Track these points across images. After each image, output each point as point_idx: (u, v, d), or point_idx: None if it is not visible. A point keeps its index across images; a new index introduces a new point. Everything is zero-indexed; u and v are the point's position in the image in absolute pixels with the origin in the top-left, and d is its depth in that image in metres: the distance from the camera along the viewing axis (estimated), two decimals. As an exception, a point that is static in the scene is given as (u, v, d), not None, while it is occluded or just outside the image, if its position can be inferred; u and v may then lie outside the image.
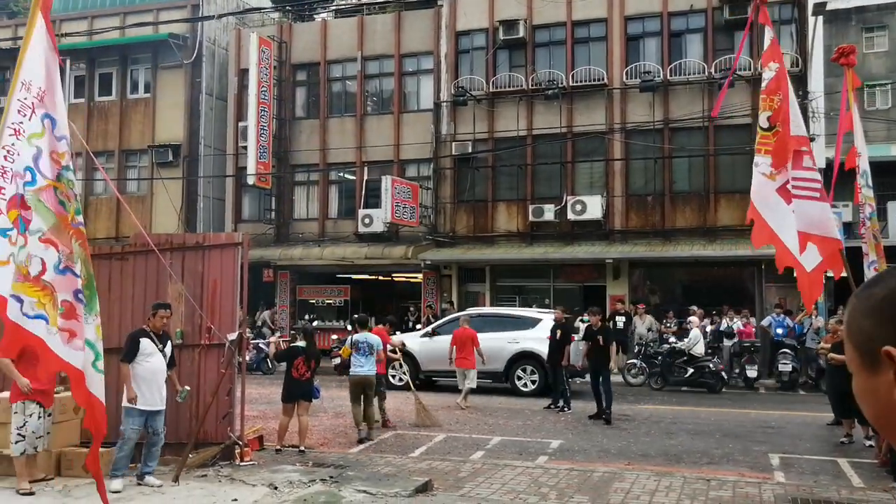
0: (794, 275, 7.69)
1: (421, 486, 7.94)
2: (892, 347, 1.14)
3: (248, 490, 7.99)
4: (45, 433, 7.73)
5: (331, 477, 8.35)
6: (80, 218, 6.15)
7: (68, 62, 24.69)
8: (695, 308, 19.31)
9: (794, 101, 7.99)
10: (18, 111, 5.83)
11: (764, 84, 7.92)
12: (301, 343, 10.59)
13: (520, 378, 16.34)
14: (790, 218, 7.45)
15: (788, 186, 7.54)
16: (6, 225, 5.72)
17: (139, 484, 8.04)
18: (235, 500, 7.59)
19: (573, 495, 7.82)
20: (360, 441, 10.96)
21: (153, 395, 8.13)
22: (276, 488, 8.02)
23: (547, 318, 16.07)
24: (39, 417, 7.44)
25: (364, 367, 11.31)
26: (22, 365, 7.33)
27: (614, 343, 14.17)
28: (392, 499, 7.52)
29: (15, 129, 5.85)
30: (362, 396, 11.25)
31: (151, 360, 8.15)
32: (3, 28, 29.62)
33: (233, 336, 9.21)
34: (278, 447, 10.12)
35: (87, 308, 5.86)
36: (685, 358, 17.19)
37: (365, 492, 7.73)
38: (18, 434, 7.41)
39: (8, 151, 5.81)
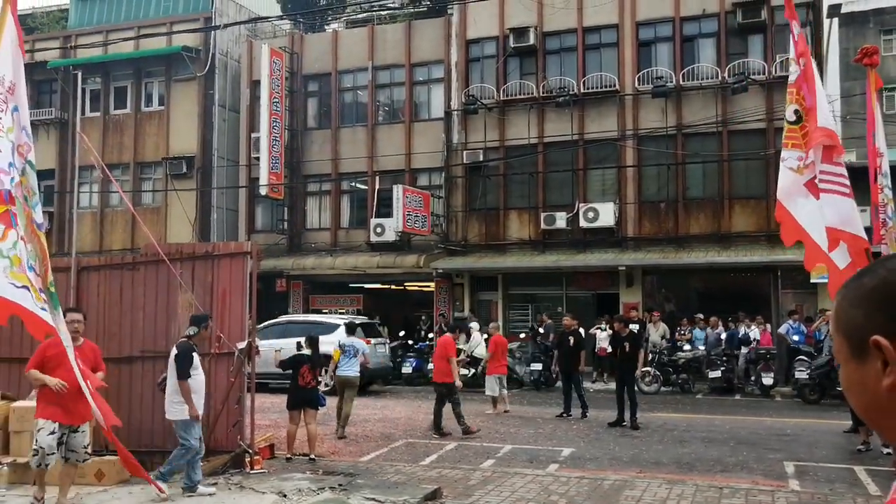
0: (811, 280, 7.50)
1: (430, 494, 7.89)
2: (881, 337, 1.14)
3: (258, 498, 7.98)
4: (60, 450, 7.27)
5: (340, 485, 8.32)
6: (38, 214, 6.17)
7: (79, 76, 24.88)
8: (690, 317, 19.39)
9: (823, 95, 7.83)
10: None
11: (792, 77, 7.80)
12: (306, 351, 10.58)
13: None
14: (819, 213, 7.30)
15: (816, 181, 7.40)
16: None
17: (189, 495, 8.03)
18: (244, 508, 7.58)
19: (583, 503, 7.73)
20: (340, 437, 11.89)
21: (201, 406, 8.28)
22: (285, 496, 8.00)
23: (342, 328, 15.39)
24: (51, 433, 7.19)
25: (347, 368, 12.45)
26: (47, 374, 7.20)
27: (641, 350, 14.09)
28: (401, 507, 7.47)
29: None
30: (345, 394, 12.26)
31: (199, 372, 8.27)
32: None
33: (242, 345, 9.22)
34: (288, 455, 10.12)
35: (53, 306, 5.93)
36: None
37: (373, 499, 7.69)
38: (33, 448, 7.36)
39: None
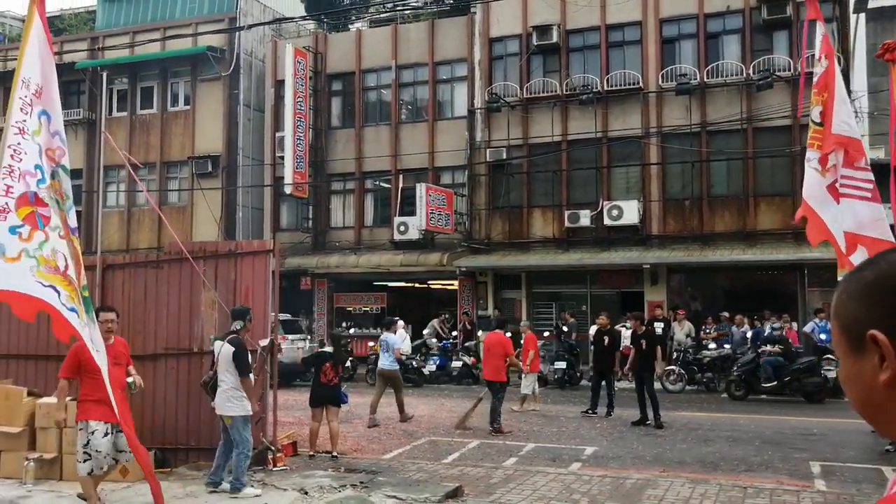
0: (838, 278, 7.43)
1: (451, 492, 7.89)
2: (878, 331, 1.13)
3: (279, 495, 8.03)
4: (113, 451, 7.21)
5: (361, 482, 8.34)
6: (73, 219, 6.23)
7: (105, 76, 25.20)
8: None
9: (843, 99, 7.76)
10: (21, 109, 5.91)
11: (815, 78, 7.77)
12: (329, 348, 10.63)
13: None
14: (839, 218, 7.27)
15: (836, 185, 7.35)
16: (16, 222, 5.82)
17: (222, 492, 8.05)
18: (266, 504, 7.63)
19: (605, 502, 7.70)
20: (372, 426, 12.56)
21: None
22: (306, 493, 8.04)
23: None
24: (105, 435, 7.08)
25: (384, 361, 13.34)
26: (86, 379, 7.09)
27: (659, 347, 13.99)
28: (421, 504, 7.48)
29: (20, 129, 5.92)
30: (384, 386, 13.18)
31: None
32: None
33: (264, 342, 9.27)
34: (311, 453, 10.16)
35: (86, 310, 5.98)
36: None
37: (394, 497, 7.71)
38: (84, 452, 7.06)
39: (14, 150, 5.89)
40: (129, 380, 7.50)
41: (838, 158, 7.24)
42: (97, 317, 7.06)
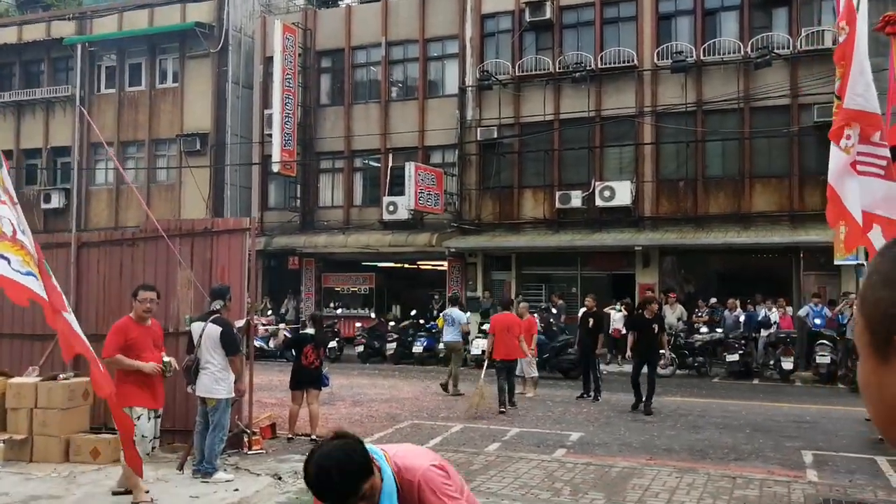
0: (835, 262, 7.13)
1: (429, 480, 7.60)
2: None
3: (252, 480, 7.77)
4: (155, 436, 7.20)
5: (337, 468, 8.05)
6: (9, 184, 5.99)
7: (88, 53, 24.67)
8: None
9: (861, 70, 7.31)
10: None
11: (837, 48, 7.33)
12: (310, 330, 10.33)
13: None
14: (858, 193, 6.94)
15: (856, 162, 7.02)
16: None
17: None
18: (237, 489, 7.36)
19: (588, 491, 7.42)
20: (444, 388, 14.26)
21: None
22: (280, 478, 7.78)
23: None
24: (149, 419, 6.99)
25: (448, 335, 14.65)
26: (130, 356, 6.96)
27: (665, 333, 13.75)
28: (397, 492, 7.19)
29: None
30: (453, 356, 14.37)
31: None
32: (38, 22, 29.78)
33: (240, 323, 8.96)
34: (290, 435, 9.96)
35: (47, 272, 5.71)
36: None
37: (370, 484, 7.42)
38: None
39: None
40: (166, 359, 7.27)
41: (855, 134, 6.85)
42: (136, 295, 7.20)
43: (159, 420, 7.25)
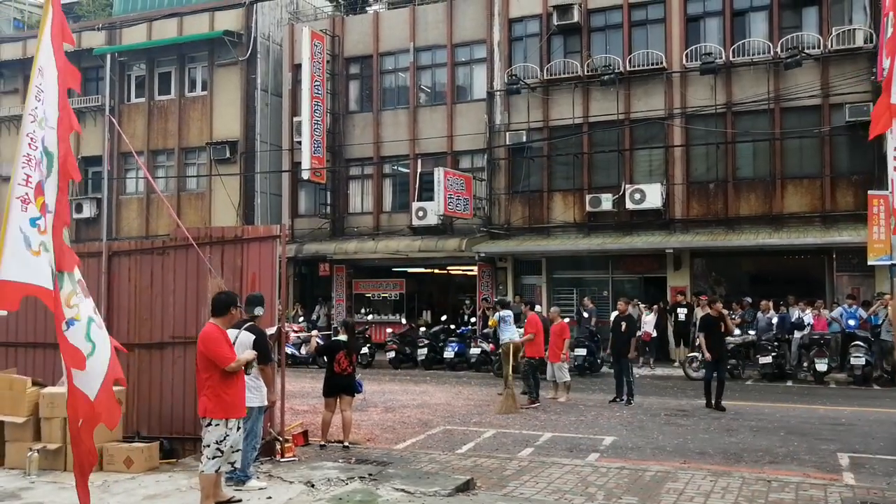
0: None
1: (462, 485, 7.60)
2: None
3: (285, 487, 7.79)
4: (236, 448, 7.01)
5: (370, 474, 8.09)
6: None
7: (118, 63, 25.02)
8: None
9: None
10: (35, 97, 5.74)
11: (887, 38, 7.01)
12: (342, 337, 10.37)
13: None
14: None
15: None
16: (35, 214, 5.61)
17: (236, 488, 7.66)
18: (270, 497, 7.39)
19: (622, 496, 7.38)
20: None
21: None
22: (312, 486, 7.79)
23: None
24: (238, 429, 6.86)
25: (504, 334, 14.57)
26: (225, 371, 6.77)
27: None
28: (430, 498, 7.20)
29: (34, 116, 5.75)
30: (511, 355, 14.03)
31: None
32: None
33: (271, 330, 9.03)
34: (322, 443, 9.95)
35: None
36: None
37: (403, 490, 7.44)
38: (217, 449, 6.64)
39: (31, 139, 5.72)
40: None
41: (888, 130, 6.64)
42: (235, 304, 7.21)
43: (241, 431, 6.98)
